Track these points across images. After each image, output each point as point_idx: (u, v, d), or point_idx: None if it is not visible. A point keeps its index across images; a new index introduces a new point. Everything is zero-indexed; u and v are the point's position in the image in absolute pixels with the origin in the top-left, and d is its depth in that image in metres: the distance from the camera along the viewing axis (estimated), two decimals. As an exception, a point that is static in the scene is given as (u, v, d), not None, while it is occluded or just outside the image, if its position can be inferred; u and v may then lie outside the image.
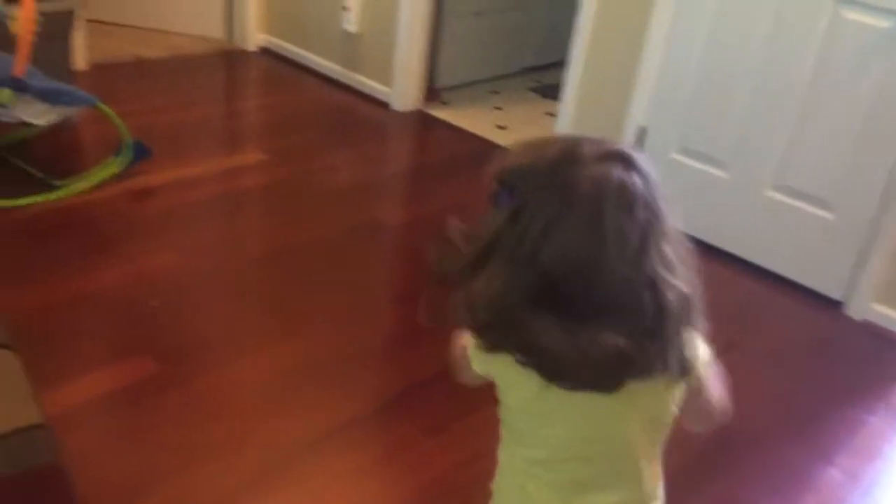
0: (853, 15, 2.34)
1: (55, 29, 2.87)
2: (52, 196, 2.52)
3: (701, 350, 0.95)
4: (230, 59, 4.12)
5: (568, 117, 3.11)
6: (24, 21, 2.30)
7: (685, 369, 0.88)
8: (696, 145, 2.76)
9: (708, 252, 2.83)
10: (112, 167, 2.69)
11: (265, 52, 4.23)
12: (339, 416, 1.83)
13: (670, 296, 0.82)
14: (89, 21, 3.63)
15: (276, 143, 3.23)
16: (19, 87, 2.30)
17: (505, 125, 3.77)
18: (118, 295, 2.15)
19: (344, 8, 3.74)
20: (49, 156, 2.82)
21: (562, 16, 4.40)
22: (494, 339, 0.87)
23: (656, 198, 0.86)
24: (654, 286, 0.81)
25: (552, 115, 3.88)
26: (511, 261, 0.83)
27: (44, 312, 2.03)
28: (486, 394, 1.94)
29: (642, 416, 0.93)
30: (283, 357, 2.01)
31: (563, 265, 0.81)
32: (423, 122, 3.71)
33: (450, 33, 3.90)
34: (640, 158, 0.87)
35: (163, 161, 2.87)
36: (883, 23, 2.30)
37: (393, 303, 2.38)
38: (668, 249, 0.84)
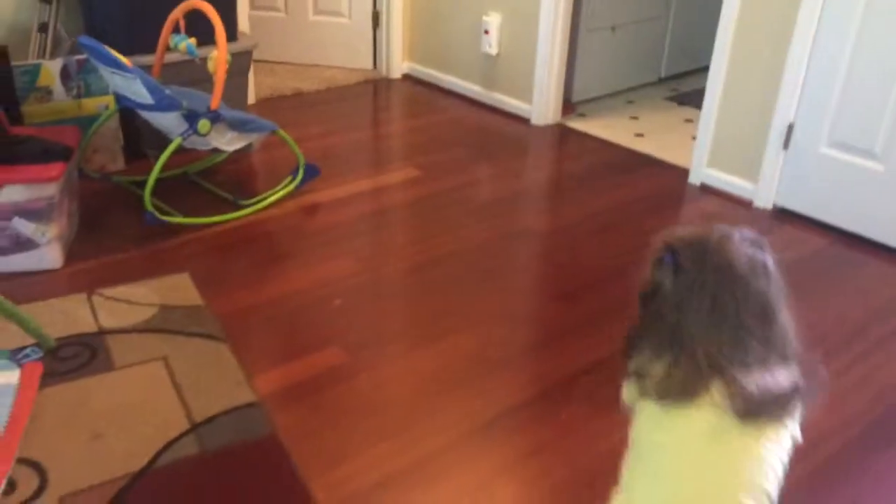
0: None
1: (236, 68, 3.23)
2: (240, 214, 2.84)
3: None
4: (377, 87, 4.43)
5: (711, 119, 3.15)
6: (219, 61, 2.63)
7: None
8: (848, 139, 2.74)
9: (863, 245, 2.80)
10: (288, 187, 3.00)
11: (409, 78, 4.51)
12: (503, 402, 1.97)
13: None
14: (255, 61, 4.03)
15: (425, 160, 3.46)
16: (215, 118, 2.63)
17: (643, 133, 3.84)
18: (304, 296, 2.40)
19: (485, 32, 3.96)
20: (234, 179, 3.17)
21: (694, 25, 4.46)
22: None
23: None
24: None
25: (690, 120, 3.93)
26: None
27: (243, 313, 2.30)
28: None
29: None
30: (449, 352, 2.19)
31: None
32: (562, 135, 3.85)
33: (585, 48, 4.04)
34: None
35: (328, 180, 3.16)
36: None
37: (552, 301, 2.51)
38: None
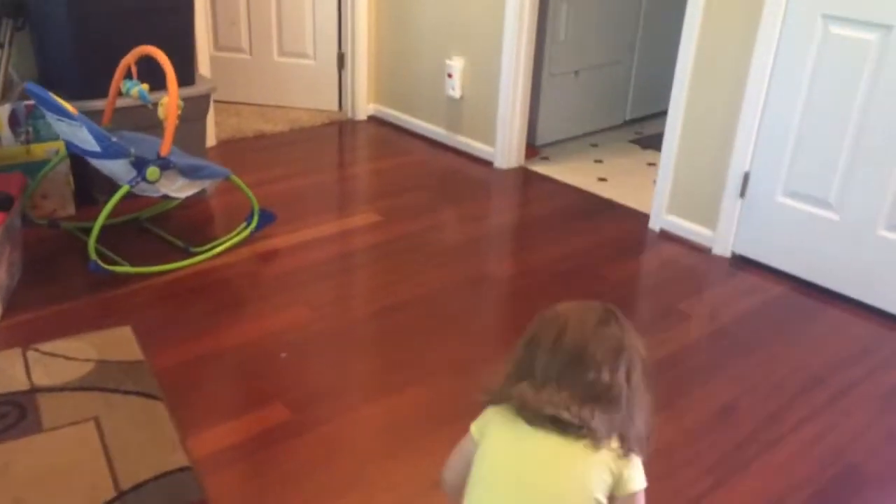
0: (959, 49, 2.32)
1: (194, 112, 3.20)
2: (192, 261, 2.78)
3: (637, 474, 1.20)
4: (342, 128, 4.41)
5: (670, 167, 3.15)
6: (170, 107, 2.59)
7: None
8: (803, 188, 2.74)
9: (821, 295, 2.79)
10: (242, 233, 2.94)
11: (373, 119, 4.50)
12: (455, 459, 1.91)
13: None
14: (218, 101, 4.00)
15: (387, 204, 3.43)
16: (165, 165, 2.58)
17: (606, 177, 3.84)
18: (251, 348, 2.34)
19: (448, 75, 3.96)
20: (186, 225, 3.11)
21: (658, 68, 4.49)
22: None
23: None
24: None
25: (653, 164, 3.93)
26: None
27: (186, 367, 2.23)
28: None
29: None
30: (405, 404, 2.13)
31: None
32: (526, 178, 3.83)
33: (549, 93, 4.05)
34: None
35: (286, 225, 3.11)
36: None
37: (506, 351, 2.46)
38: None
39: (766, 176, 2.82)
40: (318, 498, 1.78)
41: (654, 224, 3.26)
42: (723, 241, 3.00)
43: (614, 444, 1.18)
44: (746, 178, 2.88)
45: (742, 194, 2.90)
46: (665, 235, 3.21)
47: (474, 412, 2.10)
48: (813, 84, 2.64)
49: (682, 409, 2.15)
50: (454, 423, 2.04)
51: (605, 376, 1.17)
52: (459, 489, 1.29)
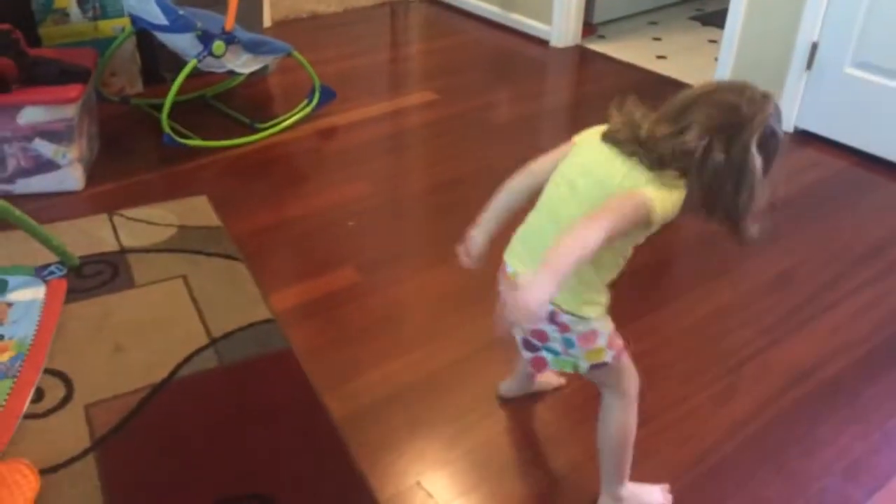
0: None
1: (250, -12, 3.20)
2: (257, 137, 2.86)
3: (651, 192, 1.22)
4: (394, 9, 4.36)
5: (734, 40, 3.08)
6: (232, -20, 2.61)
7: None
8: (875, 58, 2.67)
9: (884, 168, 2.76)
10: (305, 110, 3.00)
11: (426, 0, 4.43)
12: (518, 317, 2.01)
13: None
14: (272, -19, 3.98)
15: (443, 83, 3.43)
16: (230, 39, 2.62)
17: (665, 55, 3.76)
18: (320, 218, 2.44)
19: (503, -51, 3.86)
20: (251, 102, 3.17)
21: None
22: None
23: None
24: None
25: (714, 41, 3.83)
26: None
27: (260, 234, 2.35)
28: (655, 302, 2.06)
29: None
30: (463, 271, 2.20)
31: None
32: (582, 57, 3.78)
33: (607, -33, 3.93)
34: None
35: (345, 103, 3.15)
36: None
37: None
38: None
39: (835, 46, 2.75)
40: (385, 351, 1.90)
41: (715, 100, 3.21)
42: (786, 115, 2.96)
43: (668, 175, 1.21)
44: (814, 48, 2.81)
45: (809, 66, 2.84)
46: (725, 112, 3.18)
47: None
48: (891, -53, 2.53)
49: (741, 275, 2.21)
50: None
51: (691, 134, 1.18)
52: (529, 180, 1.46)
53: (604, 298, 1.37)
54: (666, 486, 1.54)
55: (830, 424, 1.71)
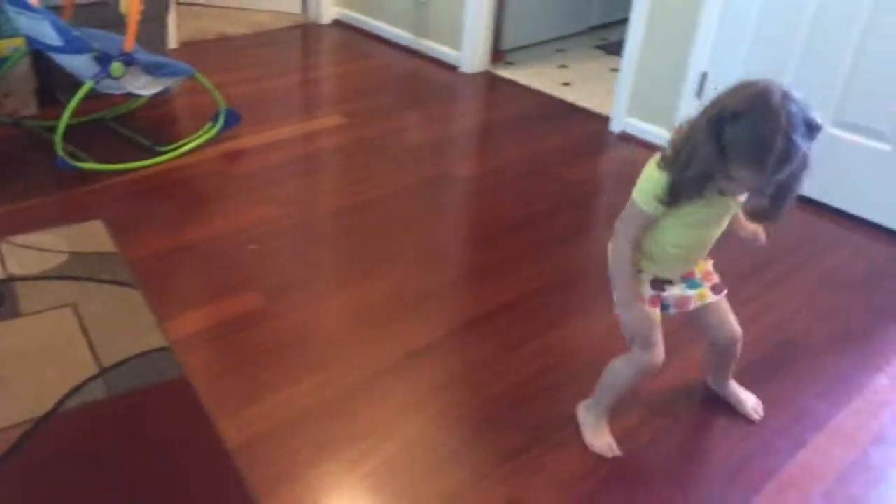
0: (910, -52, 2.38)
1: (154, 10, 3.15)
2: (158, 160, 2.80)
3: (642, 180, 1.54)
4: (306, 32, 4.37)
5: (630, 69, 3.21)
6: (131, 2, 2.56)
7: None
8: (756, 88, 2.82)
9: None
10: (209, 133, 2.96)
11: (339, 23, 4.45)
12: (423, 339, 2.03)
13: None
14: (179, 3, 3.93)
15: (352, 107, 3.45)
16: (129, 60, 2.57)
17: (569, 82, 3.88)
18: (220, 242, 2.41)
19: (412, -24, 3.92)
20: (152, 125, 3.11)
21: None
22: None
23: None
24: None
25: (616, 69, 3.97)
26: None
27: (158, 259, 2.30)
28: (553, 320, 2.12)
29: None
30: (370, 293, 2.23)
31: None
32: (490, 83, 3.86)
33: (515, -4, 4.04)
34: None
35: (251, 126, 3.13)
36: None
37: (468, 245, 2.57)
38: None
39: (722, 75, 2.89)
40: (288, 375, 1.89)
41: (615, 126, 3.34)
42: (679, 141, 3.09)
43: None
44: (704, 77, 2.96)
45: (699, 94, 2.98)
46: (624, 137, 3.30)
47: (435, 297, 2.22)
48: (770, -17, 2.70)
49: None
50: (418, 308, 2.17)
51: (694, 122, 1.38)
52: None
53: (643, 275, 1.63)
54: (614, 446, 1.70)
55: (713, 432, 1.78)
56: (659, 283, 1.64)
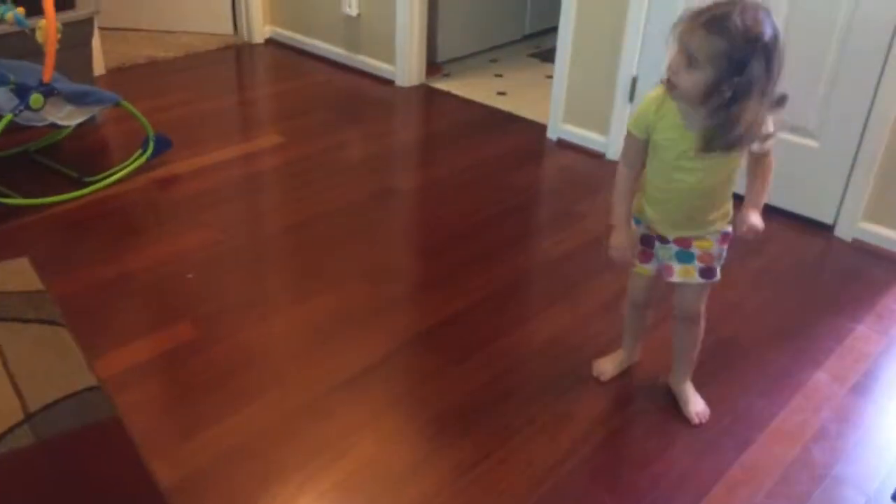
0: (822, -51, 2.45)
1: (76, 37, 3.07)
2: (86, 191, 2.72)
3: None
4: (239, 52, 4.31)
5: (563, 77, 3.24)
6: (48, 31, 2.49)
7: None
8: (686, 90, 2.87)
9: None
10: (138, 160, 2.89)
11: (272, 42, 4.40)
12: (369, 357, 2.00)
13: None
14: (105, 29, 3.83)
15: (289, 126, 3.41)
16: (48, 91, 2.49)
17: (505, 91, 3.90)
18: (155, 272, 2.34)
19: (343, -8, 3.90)
20: (78, 155, 3.02)
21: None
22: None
23: None
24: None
25: (551, 77, 4.00)
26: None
27: (89, 294, 2.22)
28: (500, 329, 2.11)
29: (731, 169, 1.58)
30: (314, 312, 2.19)
31: None
32: (427, 95, 3.86)
33: (447, 9, 4.04)
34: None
35: (185, 151, 3.06)
36: (852, -46, 2.40)
37: (412, 257, 2.55)
38: None
39: (652, 78, 2.93)
40: (230, 403, 1.84)
41: (552, 133, 3.36)
42: (615, 145, 3.13)
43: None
44: (634, 82, 2.99)
45: (631, 98, 3.02)
46: (562, 144, 3.32)
47: (381, 312, 2.20)
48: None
49: (577, 299, 2.28)
50: (362, 325, 2.14)
51: None
52: None
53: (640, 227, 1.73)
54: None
55: (658, 439, 1.78)
56: (650, 239, 1.72)
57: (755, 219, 1.59)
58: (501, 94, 3.86)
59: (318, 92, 3.84)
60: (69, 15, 3.02)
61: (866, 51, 2.43)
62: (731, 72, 1.37)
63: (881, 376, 2.01)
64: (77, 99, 2.61)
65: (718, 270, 1.71)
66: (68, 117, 2.62)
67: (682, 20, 1.44)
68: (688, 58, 1.41)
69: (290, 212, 2.74)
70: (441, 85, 3.94)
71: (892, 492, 1.65)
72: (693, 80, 1.41)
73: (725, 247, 1.70)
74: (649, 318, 1.96)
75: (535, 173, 3.17)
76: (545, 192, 3.06)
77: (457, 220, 2.71)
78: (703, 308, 1.77)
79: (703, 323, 1.79)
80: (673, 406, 1.87)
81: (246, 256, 2.47)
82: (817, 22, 2.50)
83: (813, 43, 2.53)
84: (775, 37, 1.37)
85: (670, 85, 1.47)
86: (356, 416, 1.82)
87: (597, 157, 3.20)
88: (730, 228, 1.67)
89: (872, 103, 2.46)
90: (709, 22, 1.38)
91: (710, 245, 1.68)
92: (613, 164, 3.16)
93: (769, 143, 1.55)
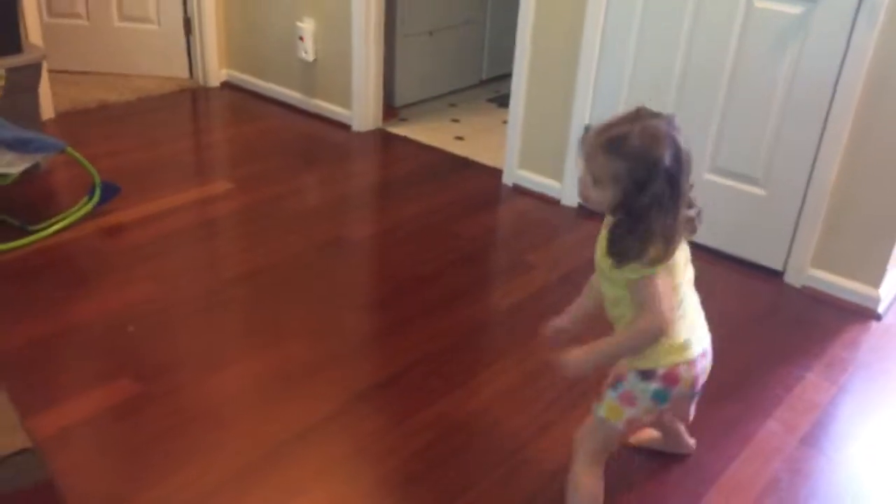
0: (765, 3, 2.51)
1: (23, 82, 3.01)
2: (29, 240, 2.64)
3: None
4: (195, 96, 4.27)
5: (518, 123, 3.26)
6: (-13, 77, 2.44)
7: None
8: (637, 138, 2.91)
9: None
10: (84, 208, 2.82)
11: (227, 86, 4.37)
12: (312, 416, 1.95)
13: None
14: (54, 71, 3.77)
15: (242, 172, 3.37)
16: (-12, 138, 2.43)
17: (463, 136, 3.92)
18: (97, 325, 2.27)
19: (300, 38, 3.90)
20: (23, 203, 2.93)
21: (513, 26, 4.58)
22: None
23: None
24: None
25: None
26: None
27: (29, 347, 2.14)
28: (444, 387, 2.08)
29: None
30: (258, 368, 2.14)
31: None
32: (384, 140, 3.85)
33: (404, 54, 4.07)
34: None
35: (133, 198, 3.00)
36: (794, 9, 2.47)
37: (361, 310, 2.51)
38: None
39: (604, 128, 2.97)
40: (166, 466, 1.77)
41: (508, 179, 3.37)
42: (570, 192, 3.14)
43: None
44: (587, 130, 3.02)
45: (584, 146, 3.04)
46: (518, 190, 3.33)
47: (325, 369, 2.15)
48: (639, 39, 2.80)
49: (525, 353, 2.25)
50: (307, 382, 2.09)
51: None
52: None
53: None
54: None
55: (607, 494, 1.75)
56: None
57: (571, 354, 1.48)
58: (459, 138, 3.88)
59: (273, 137, 3.81)
60: (15, 59, 2.97)
61: (809, 102, 2.49)
62: (633, 191, 1.34)
63: (831, 426, 2.01)
64: (19, 146, 2.55)
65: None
66: (10, 165, 2.55)
67: (586, 137, 1.42)
68: (592, 177, 1.40)
69: (237, 262, 2.69)
70: (398, 130, 3.94)
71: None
72: (601, 197, 1.40)
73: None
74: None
75: (489, 220, 3.17)
76: (498, 241, 3.06)
77: (406, 270, 2.68)
78: None
79: None
80: (622, 460, 1.84)
81: (190, 309, 2.40)
82: (762, 74, 2.56)
83: (758, 94, 2.58)
84: (676, 156, 1.34)
85: (583, 198, 1.45)
86: (301, 476, 1.76)
87: (552, 202, 3.21)
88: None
89: (817, 152, 2.51)
90: (608, 143, 1.36)
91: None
92: (568, 209, 3.19)
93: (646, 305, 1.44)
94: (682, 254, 1.50)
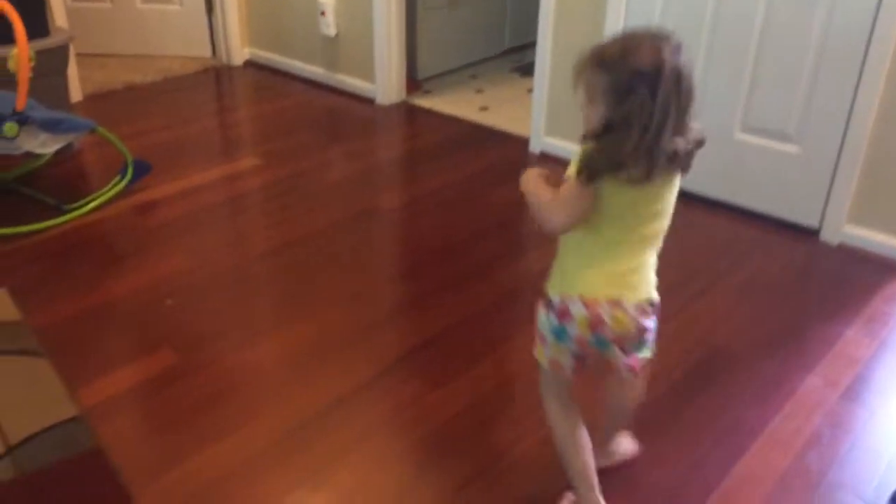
0: (795, -44, 2.46)
1: (52, 65, 3.04)
2: (65, 219, 2.68)
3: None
4: (218, 75, 4.29)
5: (544, 90, 3.24)
6: (21, 59, 2.46)
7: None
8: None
9: (685, 199, 2.94)
10: (117, 186, 2.85)
11: (251, 64, 4.39)
12: (351, 382, 1.97)
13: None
14: (81, 55, 3.81)
15: (269, 148, 3.39)
16: (22, 119, 2.46)
17: (487, 106, 3.90)
18: (135, 299, 2.30)
19: (321, 13, 3.89)
20: (57, 183, 2.98)
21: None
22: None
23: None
24: None
25: (533, 90, 4.01)
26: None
27: (68, 323, 2.18)
28: (483, 349, 2.07)
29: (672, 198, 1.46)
30: (294, 338, 2.16)
31: None
32: (408, 113, 3.85)
33: (426, 26, 4.04)
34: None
35: (164, 176, 3.03)
36: (825, -40, 2.42)
37: (393, 279, 2.52)
38: None
39: (632, 90, 2.94)
40: (211, 432, 1.80)
41: (535, 147, 3.36)
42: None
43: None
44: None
45: (611, 110, 3.01)
46: (545, 157, 3.32)
47: (362, 337, 2.16)
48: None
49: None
50: (343, 351, 2.10)
51: None
52: None
53: None
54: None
55: (649, 452, 1.75)
56: None
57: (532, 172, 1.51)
58: (483, 109, 3.86)
59: (298, 113, 3.82)
60: (43, 42, 2.99)
61: (843, 55, 2.44)
62: (614, 102, 1.29)
63: (872, 380, 2.00)
64: (51, 127, 2.58)
65: None
66: (44, 145, 2.58)
67: (580, 56, 1.36)
68: (586, 95, 1.36)
69: (269, 236, 2.70)
70: (422, 102, 3.93)
71: (890, 494, 1.63)
72: (594, 115, 1.36)
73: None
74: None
75: (517, 188, 3.15)
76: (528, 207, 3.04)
77: (438, 239, 2.69)
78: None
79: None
80: (665, 420, 1.84)
81: (225, 282, 2.43)
82: (794, 28, 2.51)
83: (790, 49, 2.54)
84: (665, 72, 1.25)
85: (584, 121, 1.40)
86: (340, 443, 1.78)
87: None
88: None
89: (852, 106, 2.47)
90: (593, 56, 1.32)
91: None
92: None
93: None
94: (659, 205, 1.42)
